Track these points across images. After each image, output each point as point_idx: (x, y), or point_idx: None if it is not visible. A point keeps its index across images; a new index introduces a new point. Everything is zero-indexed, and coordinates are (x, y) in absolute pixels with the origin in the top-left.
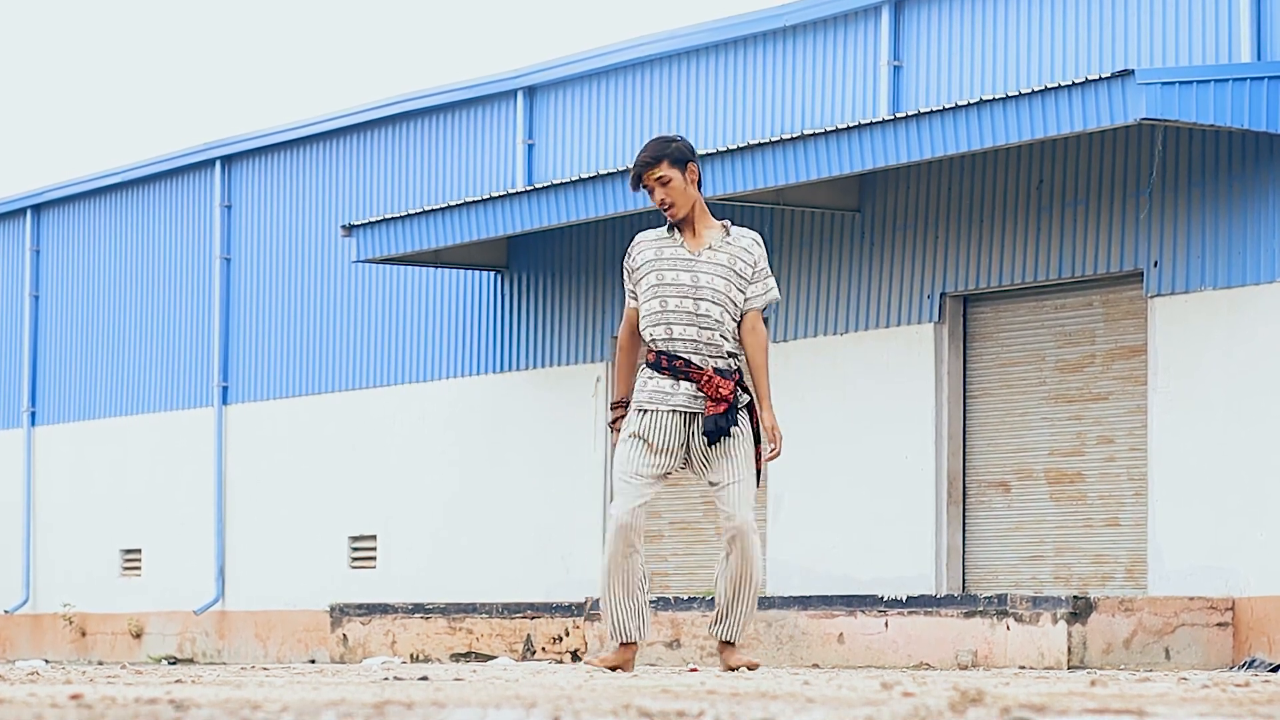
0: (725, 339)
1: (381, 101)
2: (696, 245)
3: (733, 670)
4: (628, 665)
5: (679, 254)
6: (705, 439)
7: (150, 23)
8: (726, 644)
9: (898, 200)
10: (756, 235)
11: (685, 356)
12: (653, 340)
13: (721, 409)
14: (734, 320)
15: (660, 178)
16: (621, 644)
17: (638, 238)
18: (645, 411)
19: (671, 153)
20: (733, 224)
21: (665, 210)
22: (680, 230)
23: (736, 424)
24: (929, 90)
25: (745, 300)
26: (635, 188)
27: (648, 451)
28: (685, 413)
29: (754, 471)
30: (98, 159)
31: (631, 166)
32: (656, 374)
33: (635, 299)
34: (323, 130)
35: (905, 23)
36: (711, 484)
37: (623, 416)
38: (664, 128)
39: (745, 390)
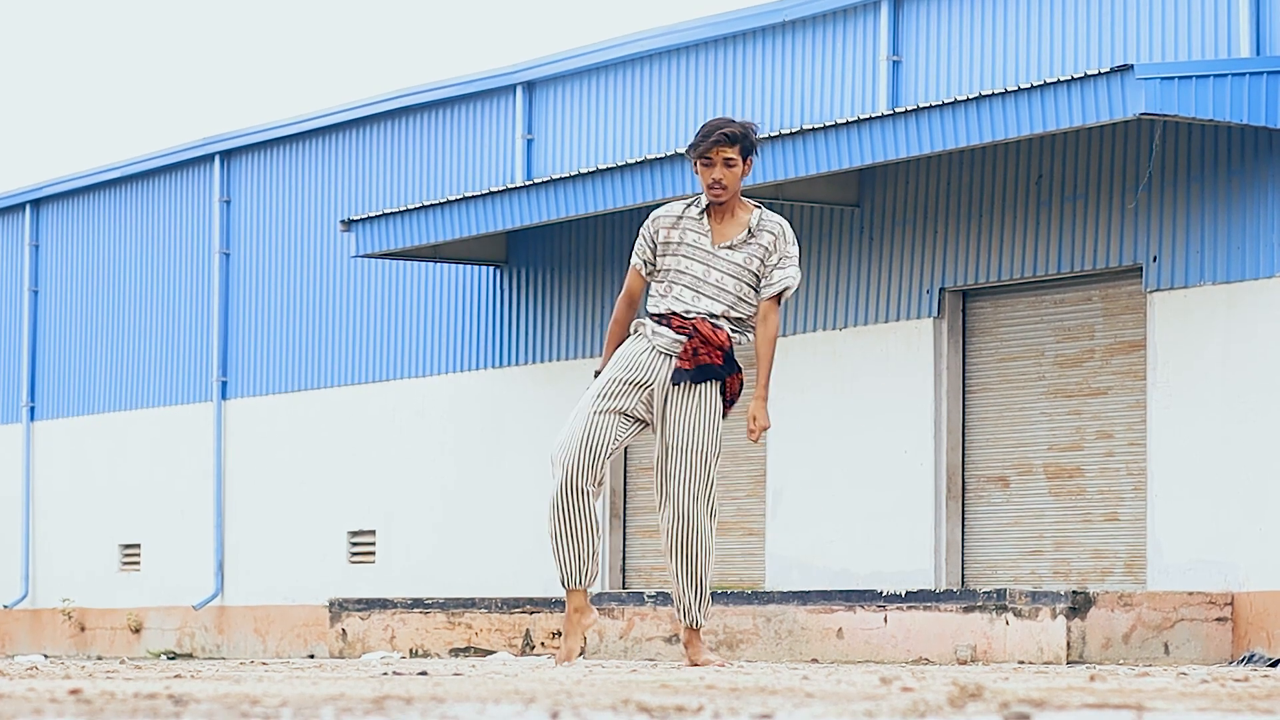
0: (728, 326)
1: (381, 96)
2: (719, 238)
3: (695, 666)
4: (584, 615)
5: (701, 243)
6: (672, 377)
7: (149, 17)
8: (691, 631)
9: (897, 195)
10: (780, 225)
11: (679, 314)
12: (650, 312)
13: (701, 360)
14: (741, 314)
15: (729, 159)
16: (570, 590)
17: (664, 211)
18: (626, 338)
19: (746, 139)
20: (763, 211)
21: (711, 191)
22: (710, 215)
23: (709, 379)
24: (928, 85)
25: (757, 295)
26: (694, 155)
27: (616, 381)
28: (664, 354)
29: (715, 448)
30: (97, 154)
31: (704, 134)
32: (647, 321)
33: (645, 269)
34: (322, 125)
35: (904, 18)
36: (663, 445)
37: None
38: (663, 123)
39: (734, 364)
